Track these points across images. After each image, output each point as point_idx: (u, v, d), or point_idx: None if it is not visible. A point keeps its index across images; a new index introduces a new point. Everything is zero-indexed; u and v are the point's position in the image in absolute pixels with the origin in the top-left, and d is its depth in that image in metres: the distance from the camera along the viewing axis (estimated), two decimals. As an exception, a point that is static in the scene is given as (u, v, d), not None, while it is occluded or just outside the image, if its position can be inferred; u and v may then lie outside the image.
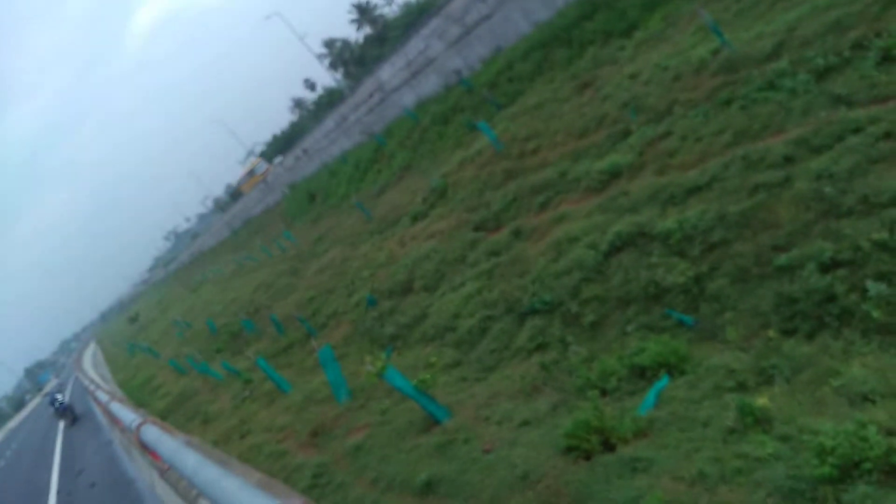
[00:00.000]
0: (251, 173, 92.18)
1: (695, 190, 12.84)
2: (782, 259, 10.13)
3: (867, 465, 5.85)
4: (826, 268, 9.52)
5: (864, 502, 5.59)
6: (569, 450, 8.58)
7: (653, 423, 8.57)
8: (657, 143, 15.21)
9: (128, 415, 14.44)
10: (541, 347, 13.12)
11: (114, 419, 17.85)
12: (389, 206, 30.72)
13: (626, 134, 16.73)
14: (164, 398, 30.88)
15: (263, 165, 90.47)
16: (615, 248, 13.24)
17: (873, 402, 7.07)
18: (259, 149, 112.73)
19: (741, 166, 12.27)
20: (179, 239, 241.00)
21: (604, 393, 10.43)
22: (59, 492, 19.61)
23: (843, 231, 9.73)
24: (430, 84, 35.67)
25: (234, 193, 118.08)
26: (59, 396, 35.63)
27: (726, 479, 6.78)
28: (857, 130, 10.94)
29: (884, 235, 9.20)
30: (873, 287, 8.87)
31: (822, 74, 12.82)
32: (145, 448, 10.47)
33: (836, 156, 10.78)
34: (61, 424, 35.58)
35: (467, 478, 9.32)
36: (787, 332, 9.49)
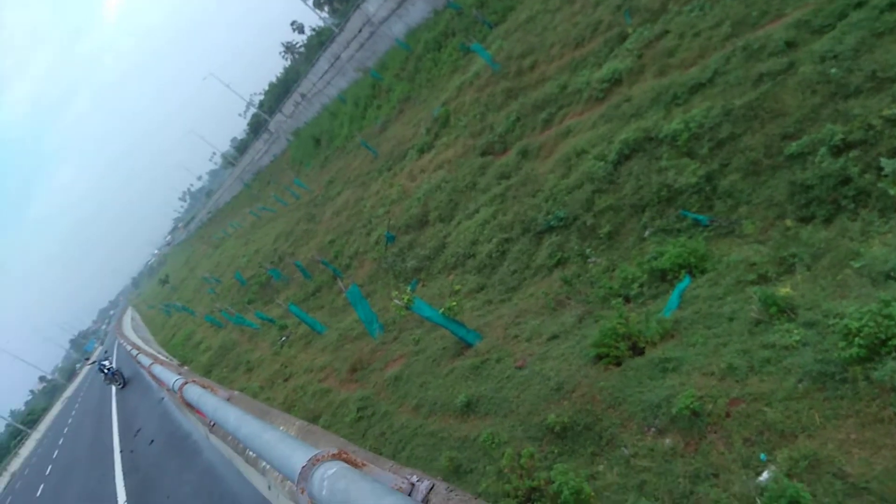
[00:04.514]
0: None
1: (698, 87, 12.68)
2: (793, 147, 10.06)
3: (895, 342, 5.91)
4: (838, 150, 9.46)
5: (894, 377, 5.67)
6: (599, 358, 8.81)
7: (678, 324, 8.72)
8: (655, 44, 14.94)
9: (170, 376, 14.82)
10: (560, 263, 13.29)
11: (158, 381, 18.37)
12: (394, 140, 30.58)
13: (623, 38, 16.45)
14: (206, 352, 31.72)
15: None
16: (624, 156, 13.20)
17: (896, 279, 7.09)
18: (258, 99, 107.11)
19: (742, 57, 12.07)
20: (195, 198, 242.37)
21: (627, 300, 10.62)
22: (121, 451, 20.36)
23: (853, 111, 9.62)
24: (418, 11, 34.94)
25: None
26: (107, 363, 36.70)
27: (755, 370, 6.90)
28: (859, 5, 10.67)
29: (895, 110, 9.11)
30: (888, 164, 8.79)
31: (819, -50, 12.47)
32: (190, 407, 10.79)
33: (839, 34, 10.56)
34: (113, 389, 36.87)
35: (504, 394, 9.62)
36: (804, 220, 9.52)
